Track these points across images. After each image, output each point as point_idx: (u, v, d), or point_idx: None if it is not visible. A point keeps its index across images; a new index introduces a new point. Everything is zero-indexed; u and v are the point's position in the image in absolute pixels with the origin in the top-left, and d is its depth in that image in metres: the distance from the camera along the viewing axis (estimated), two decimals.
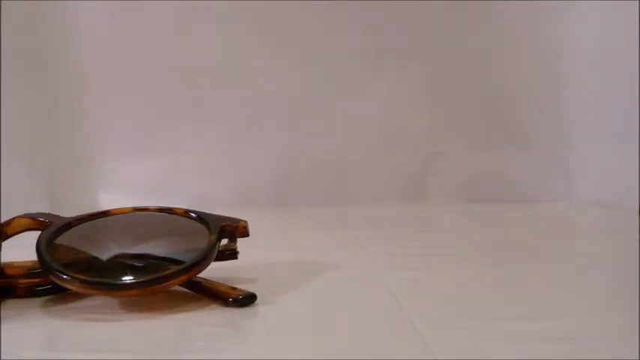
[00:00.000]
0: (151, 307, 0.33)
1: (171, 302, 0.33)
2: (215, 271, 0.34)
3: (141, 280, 0.32)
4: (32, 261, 0.34)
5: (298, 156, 0.61)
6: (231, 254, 0.35)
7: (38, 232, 0.35)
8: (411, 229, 0.52)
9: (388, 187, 0.61)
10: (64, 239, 0.34)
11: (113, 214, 0.36)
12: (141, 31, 0.59)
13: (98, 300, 0.34)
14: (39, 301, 0.34)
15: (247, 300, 0.33)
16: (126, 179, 0.61)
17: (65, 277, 0.32)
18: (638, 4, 0.55)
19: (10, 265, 0.35)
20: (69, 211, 0.36)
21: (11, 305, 0.34)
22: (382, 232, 0.50)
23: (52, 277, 0.32)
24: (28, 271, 0.34)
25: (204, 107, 0.61)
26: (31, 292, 0.34)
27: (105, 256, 0.34)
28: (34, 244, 0.34)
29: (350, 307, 0.33)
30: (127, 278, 0.32)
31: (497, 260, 0.42)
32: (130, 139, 0.61)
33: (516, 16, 0.59)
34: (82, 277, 0.32)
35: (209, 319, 0.31)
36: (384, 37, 0.60)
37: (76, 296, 0.34)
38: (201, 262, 0.33)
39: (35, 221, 0.35)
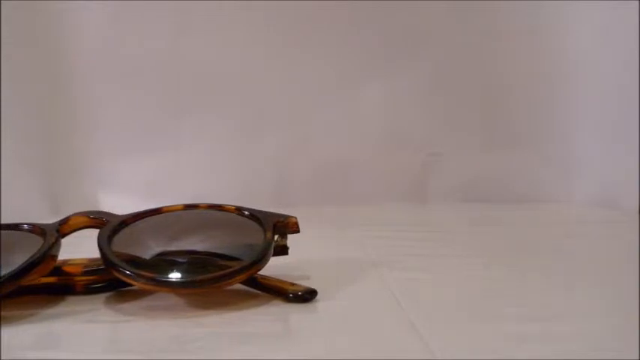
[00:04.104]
0: (211, 304, 0.33)
1: (230, 299, 0.33)
2: None
3: (207, 277, 0.32)
4: (86, 258, 0.35)
5: (298, 156, 0.61)
6: (281, 250, 0.35)
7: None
8: (411, 229, 0.52)
9: (388, 187, 0.61)
10: (120, 237, 0.34)
11: (165, 212, 0.36)
12: (141, 31, 0.59)
13: (156, 296, 0.34)
14: (101, 297, 0.34)
15: (308, 295, 0.33)
16: (126, 179, 0.60)
17: (130, 273, 0.32)
18: (638, 4, 0.55)
19: (65, 262, 0.35)
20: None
21: (73, 301, 0.34)
22: (382, 232, 0.50)
23: (116, 274, 0.32)
24: (84, 269, 0.35)
25: (204, 107, 0.61)
26: (88, 290, 0.35)
27: (162, 253, 0.34)
28: (75, 242, 0.34)
29: (349, 306, 0.33)
30: (191, 276, 0.32)
31: (497, 260, 0.42)
32: (129, 138, 0.61)
33: (516, 16, 0.60)
34: (148, 274, 0.32)
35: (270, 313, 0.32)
36: (384, 37, 0.60)
37: (137, 293, 0.34)
38: (262, 259, 0.33)
39: (91, 219, 0.35)
